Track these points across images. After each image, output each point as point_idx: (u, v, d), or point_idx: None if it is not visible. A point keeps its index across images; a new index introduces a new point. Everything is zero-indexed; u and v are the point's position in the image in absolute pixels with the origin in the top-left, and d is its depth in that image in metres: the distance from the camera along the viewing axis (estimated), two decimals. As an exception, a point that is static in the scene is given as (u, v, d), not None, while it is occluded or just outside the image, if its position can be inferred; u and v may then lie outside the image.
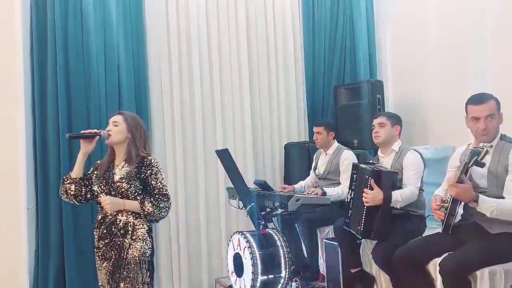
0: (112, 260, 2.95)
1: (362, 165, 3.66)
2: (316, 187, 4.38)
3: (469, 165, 2.75)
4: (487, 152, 2.74)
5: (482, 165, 2.77)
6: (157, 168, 3.01)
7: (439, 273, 2.84)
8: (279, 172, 5.38)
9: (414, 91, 5.18)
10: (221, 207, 5.01)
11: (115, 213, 2.97)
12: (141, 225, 2.97)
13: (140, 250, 2.93)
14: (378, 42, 5.71)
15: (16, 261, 4.15)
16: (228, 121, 5.12)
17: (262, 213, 4.19)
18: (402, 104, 5.28)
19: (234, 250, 4.08)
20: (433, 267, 3.00)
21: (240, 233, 4.03)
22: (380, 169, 3.55)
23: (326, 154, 4.55)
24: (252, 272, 3.78)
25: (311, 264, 4.30)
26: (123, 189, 2.95)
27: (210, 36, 5.07)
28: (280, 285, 3.95)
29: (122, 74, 4.60)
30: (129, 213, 2.96)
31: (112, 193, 2.97)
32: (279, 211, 4.24)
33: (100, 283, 3.04)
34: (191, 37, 4.96)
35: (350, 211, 3.66)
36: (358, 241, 3.80)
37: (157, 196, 2.97)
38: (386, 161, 3.77)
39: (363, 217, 3.45)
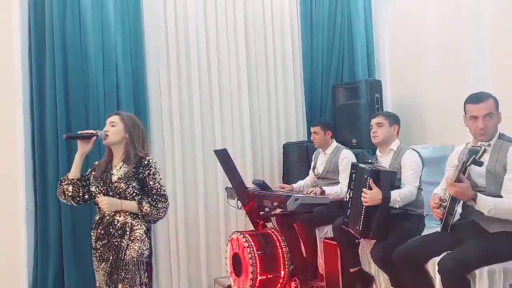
0: (110, 261, 2.94)
1: (361, 165, 3.66)
2: (315, 187, 4.38)
3: (468, 164, 2.76)
4: (485, 151, 2.74)
5: (480, 164, 2.78)
6: (155, 168, 3.00)
7: (438, 272, 2.85)
8: (277, 171, 5.38)
9: (413, 91, 5.19)
10: (220, 207, 5.01)
11: (113, 213, 2.96)
12: (139, 226, 2.96)
13: (138, 251, 2.93)
14: (376, 41, 5.71)
15: (15, 261, 4.15)
16: (227, 121, 5.11)
17: (261, 212, 4.19)
18: (400, 103, 5.28)
19: (233, 250, 4.09)
20: (432, 266, 3.00)
21: (239, 233, 4.04)
22: (379, 169, 3.55)
23: (325, 153, 4.55)
24: (251, 272, 3.79)
25: (310, 264, 4.30)
26: (120, 190, 2.95)
27: (208, 36, 5.07)
28: (279, 285, 3.95)
29: (120, 75, 4.60)
30: (127, 213, 2.95)
31: (110, 193, 2.97)
32: (278, 210, 4.24)
33: (98, 284, 3.03)
34: (189, 37, 4.96)
35: (349, 210, 3.66)
36: (357, 241, 3.81)
37: (155, 197, 2.96)
38: (384, 160, 3.78)
39: (362, 216, 3.45)
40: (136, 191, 2.97)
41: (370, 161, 3.84)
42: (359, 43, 5.57)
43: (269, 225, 4.27)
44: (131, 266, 2.91)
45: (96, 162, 3.18)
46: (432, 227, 3.52)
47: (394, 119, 3.84)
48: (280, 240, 3.99)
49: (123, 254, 2.91)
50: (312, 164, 4.71)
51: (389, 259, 3.19)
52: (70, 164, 3.08)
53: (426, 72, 4.96)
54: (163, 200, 2.98)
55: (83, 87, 4.43)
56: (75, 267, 4.27)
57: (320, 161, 4.58)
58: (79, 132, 3.14)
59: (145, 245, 2.97)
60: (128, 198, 2.95)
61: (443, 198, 3.04)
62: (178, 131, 4.87)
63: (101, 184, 3.00)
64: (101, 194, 2.99)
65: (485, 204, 2.79)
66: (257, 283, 3.83)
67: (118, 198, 2.95)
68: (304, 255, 4.34)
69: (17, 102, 4.19)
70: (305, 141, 5.21)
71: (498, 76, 4.09)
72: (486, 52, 4.27)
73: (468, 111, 3.00)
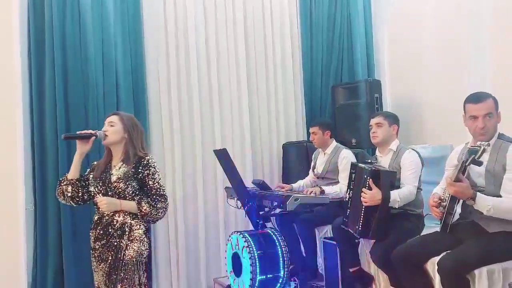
0: (109, 261, 2.93)
1: (360, 165, 3.66)
2: (314, 187, 4.38)
3: (467, 164, 2.76)
4: (484, 150, 2.74)
5: (479, 163, 2.78)
6: (155, 168, 3.00)
7: (438, 272, 2.85)
8: (277, 171, 5.38)
9: (412, 91, 5.19)
10: (219, 206, 5.01)
11: (111, 213, 2.95)
12: (138, 226, 2.96)
13: (137, 251, 2.92)
14: (375, 41, 5.71)
15: (15, 261, 4.15)
16: (226, 121, 5.11)
17: (261, 212, 4.19)
18: (400, 103, 5.29)
19: (233, 249, 4.09)
20: (432, 266, 3.01)
21: (239, 233, 4.03)
22: (379, 169, 3.55)
23: (324, 153, 4.55)
24: (251, 272, 3.78)
25: (310, 264, 4.30)
26: (120, 190, 2.94)
27: (208, 36, 5.06)
28: (278, 285, 3.95)
29: (120, 74, 4.59)
30: (126, 213, 2.94)
31: (109, 193, 2.96)
32: (278, 210, 4.24)
33: (96, 285, 3.02)
34: (189, 37, 4.96)
35: (348, 210, 3.66)
36: (357, 241, 3.81)
37: (154, 197, 2.95)
38: (384, 160, 3.78)
39: (361, 216, 3.45)
40: (135, 191, 2.96)
41: (369, 161, 3.84)
42: (359, 43, 5.57)
43: (269, 225, 4.27)
44: (130, 266, 2.90)
45: (95, 162, 3.17)
46: (431, 227, 3.53)
47: (393, 119, 3.84)
48: (280, 240, 3.99)
49: (122, 254, 2.90)
50: (312, 164, 4.71)
51: (388, 259, 3.20)
52: (69, 163, 3.07)
53: (425, 72, 4.96)
54: (162, 200, 2.97)
55: (83, 87, 4.43)
56: (74, 267, 4.27)
57: (320, 161, 4.59)
58: (78, 132, 3.13)
59: (144, 245, 2.96)
60: (127, 198, 2.94)
61: (442, 197, 3.04)
62: (178, 131, 4.87)
63: (100, 184, 2.99)
64: (100, 194, 2.98)
65: (484, 203, 2.80)
66: (257, 283, 3.83)
67: (117, 198, 2.94)
68: (304, 254, 4.34)
69: (17, 102, 4.19)
70: (304, 141, 5.21)
71: (497, 76, 4.09)
72: (486, 52, 4.27)
73: (468, 110, 3.00)
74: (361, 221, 3.46)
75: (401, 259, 3.10)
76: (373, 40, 5.70)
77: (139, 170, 2.96)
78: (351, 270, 3.80)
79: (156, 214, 2.95)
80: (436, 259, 2.91)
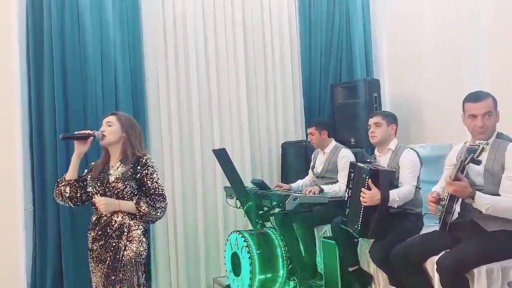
0: (107, 262, 2.90)
1: (359, 164, 3.66)
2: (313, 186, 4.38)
3: (466, 163, 2.76)
4: (483, 149, 2.75)
5: (478, 162, 2.78)
6: (153, 168, 2.98)
7: (437, 271, 2.85)
8: (276, 171, 5.38)
9: (411, 90, 5.19)
10: (218, 206, 5.00)
11: (110, 214, 2.93)
12: (136, 227, 2.94)
13: (136, 252, 2.90)
14: (374, 40, 5.71)
15: (14, 261, 4.14)
16: (225, 121, 5.11)
17: (260, 212, 4.19)
18: (399, 102, 5.29)
19: (232, 249, 4.09)
20: (431, 265, 3.01)
21: (238, 232, 4.04)
22: (378, 168, 3.55)
23: (324, 153, 4.55)
24: (250, 271, 3.79)
25: (309, 263, 4.30)
26: (118, 190, 2.92)
27: (206, 36, 5.06)
28: (278, 284, 3.96)
29: (119, 74, 4.59)
30: (125, 214, 2.92)
31: (108, 193, 2.94)
32: (277, 210, 4.24)
33: (94, 287, 3.00)
34: (188, 37, 4.95)
35: (348, 209, 3.66)
36: (356, 240, 3.81)
37: (153, 197, 2.93)
38: (383, 160, 3.78)
39: (361, 216, 3.45)
40: (134, 191, 2.95)
41: (368, 160, 3.85)
42: (357, 42, 5.57)
43: (268, 224, 4.27)
44: (129, 267, 2.88)
45: (93, 163, 3.16)
46: (430, 226, 3.53)
47: (392, 119, 3.84)
48: (279, 240, 3.99)
49: (120, 255, 2.88)
50: (311, 163, 4.71)
51: (388, 258, 3.20)
52: (68, 164, 3.06)
53: (424, 71, 4.96)
54: (161, 199, 2.95)
55: (82, 87, 4.43)
56: (74, 267, 4.26)
57: (319, 161, 4.59)
58: (76, 132, 3.13)
59: (142, 246, 2.94)
60: (126, 198, 2.93)
61: (441, 196, 3.04)
62: (177, 131, 4.87)
63: (98, 184, 2.97)
64: (98, 195, 2.96)
65: (483, 202, 2.80)
66: (256, 282, 3.83)
67: (116, 198, 2.93)
68: (303, 254, 4.34)
69: (16, 102, 4.19)
70: (303, 140, 5.21)
71: (496, 76, 4.09)
72: (485, 51, 4.27)
73: (467, 109, 3.00)
74: (360, 221, 3.46)
75: (400, 258, 3.11)
76: (372, 39, 5.70)
77: (138, 170, 2.94)
78: (350, 269, 3.80)
79: (155, 214, 2.93)
80: (435, 258, 2.91)
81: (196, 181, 4.94)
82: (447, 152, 3.56)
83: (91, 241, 3.00)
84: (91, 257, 3.00)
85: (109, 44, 4.55)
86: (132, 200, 2.92)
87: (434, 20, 4.85)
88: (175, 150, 4.85)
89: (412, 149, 3.74)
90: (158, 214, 2.95)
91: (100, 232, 2.95)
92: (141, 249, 2.93)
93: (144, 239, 2.96)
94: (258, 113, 5.30)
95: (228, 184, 4.43)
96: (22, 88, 4.24)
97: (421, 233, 3.48)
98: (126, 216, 2.93)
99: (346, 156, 4.35)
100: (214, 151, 4.31)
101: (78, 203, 3.07)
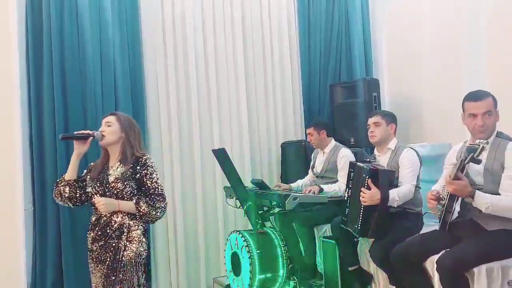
0: (107, 262, 2.90)
1: (359, 164, 3.66)
2: (313, 186, 4.38)
3: (465, 162, 2.76)
4: (483, 148, 2.75)
5: (478, 161, 2.78)
6: (152, 168, 2.98)
7: (437, 270, 2.85)
8: (276, 171, 5.39)
9: (410, 89, 5.19)
10: (218, 206, 5.00)
11: (109, 214, 2.92)
12: (136, 227, 2.93)
13: (135, 252, 2.89)
14: (373, 40, 5.71)
15: (14, 261, 4.14)
16: (225, 121, 5.11)
17: (260, 212, 4.19)
18: (398, 102, 5.29)
19: (232, 249, 4.09)
20: (431, 264, 3.01)
21: (238, 232, 4.04)
22: (377, 168, 3.55)
23: (323, 152, 4.56)
24: (250, 271, 3.79)
25: (309, 263, 4.30)
26: (118, 190, 2.92)
27: (206, 36, 5.06)
28: (277, 284, 3.96)
29: (118, 74, 4.60)
30: (124, 214, 2.91)
31: (107, 194, 2.94)
32: (276, 210, 4.24)
33: (94, 287, 3.00)
34: (187, 37, 4.95)
35: (347, 209, 3.66)
36: (356, 239, 3.81)
37: (152, 196, 2.92)
38: (382, 159, 3.78)
39: (360, 215, 3.46)
40: (133, 191, 2.94)
41: (368, 160, 3.85)
42: (357, 41, 5.57)
43: (268, 224, 4.27)
44: (128, 267, 2.87)
45: (92, 163, 3.15)
46: (430, 225, 3.53)
47: (391, 118, 3.84)
48: (279, 239, 3.99)
49: (120, 255, 2.88)
50: (311, 163, 4.71)
51: (387, 257, 3.20)
52: (68, 164, 3.06)
53: (424, 70, 4.97)
54: (161, 199, 2.94)
55: (81, 88, 4.43)
56: (73, 267, 4.26)
57: (319, 160, 4.59)
58: (75, 132, 3.11)
59: (142, 246, 2.93)
60: (126, 198, 2.92)
61: (441, 195, 3.04)
62: (176, 130, 4.87)
63: (98, 184, 2.97)
64: (97, 195, 2.95)
65: (482, 201, 2.80)
66: (256, 282, 3.83)
67: (115, 198, 2.92)
68: (303, 254, 4.34)
69: (15, 102, 4.19)
70: (303, 140, 5.21)
71: (496, 75, 4.10)
72: (484, 51, 4.27)
73: (467, 108, 3.00)
74: (360, 220, 3.46)
75: (400, 257, 3.11)
76: (371, 39, 5.71)
77: (137, 170, 2.94)
78: (350, 269, 3.80)
79: (155, 214, 2.92)
80: (435, 257, 2.92)
81: (196, 181, 4.94)
82: (446, 151, 3.57)
83: (90, 241, 2.99)
84: (90, 257, 2.99)
85: (108, 44, 4.55)
86: (132, 200, 2.92)
87: (434, 20, 4.85)
88: (175, 150, 4.85)
89: (412, 148, 3.74)
90: (158, 214, 2.94)
91: (99, 233, 2.94)
92: (141, 249, 2.92)
93: (144, 239, 2.95)
94: (257, 113, 5.30)
95: (228, 184, 4.43)
96: (21, 89, 4.24)
97: (421, 232, 3.48)
98: (126, 217, 2.92)
99: (345, 155, 4.36)
100: (214, 151, 4.30)
101: (77, 204, 3.06)
